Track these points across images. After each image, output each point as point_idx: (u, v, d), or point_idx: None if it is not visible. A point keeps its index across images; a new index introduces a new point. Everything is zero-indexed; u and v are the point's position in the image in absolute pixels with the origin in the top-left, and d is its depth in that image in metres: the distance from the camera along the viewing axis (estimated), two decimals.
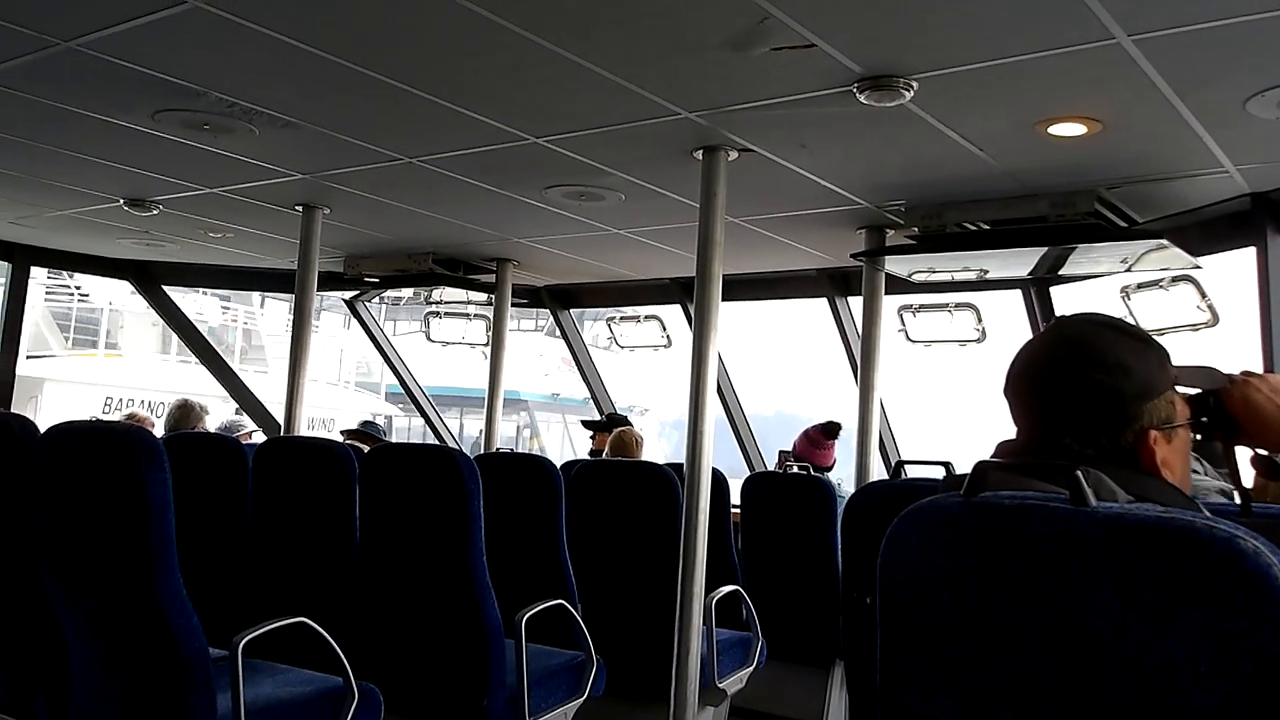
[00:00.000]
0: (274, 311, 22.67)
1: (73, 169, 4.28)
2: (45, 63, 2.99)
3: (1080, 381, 1.28)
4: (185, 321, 7.55)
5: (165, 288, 7.14)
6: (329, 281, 6.00)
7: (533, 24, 2.53)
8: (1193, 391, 1.41)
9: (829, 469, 5.09)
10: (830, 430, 5.15)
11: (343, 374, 22.34)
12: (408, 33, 2.65)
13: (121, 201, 4.82)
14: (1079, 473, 1.04)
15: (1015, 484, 1.21)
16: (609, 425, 6.06)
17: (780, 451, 5.63)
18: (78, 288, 19.27)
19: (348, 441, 5.38)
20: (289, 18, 2.58)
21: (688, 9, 2.39)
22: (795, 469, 4.72)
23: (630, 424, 6.08)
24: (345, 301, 7.15)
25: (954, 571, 1.11)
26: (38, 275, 18.66)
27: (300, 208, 4.76)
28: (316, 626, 2.52)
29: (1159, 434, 1.27)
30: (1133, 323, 4.31)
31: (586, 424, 6.58)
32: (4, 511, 2.70)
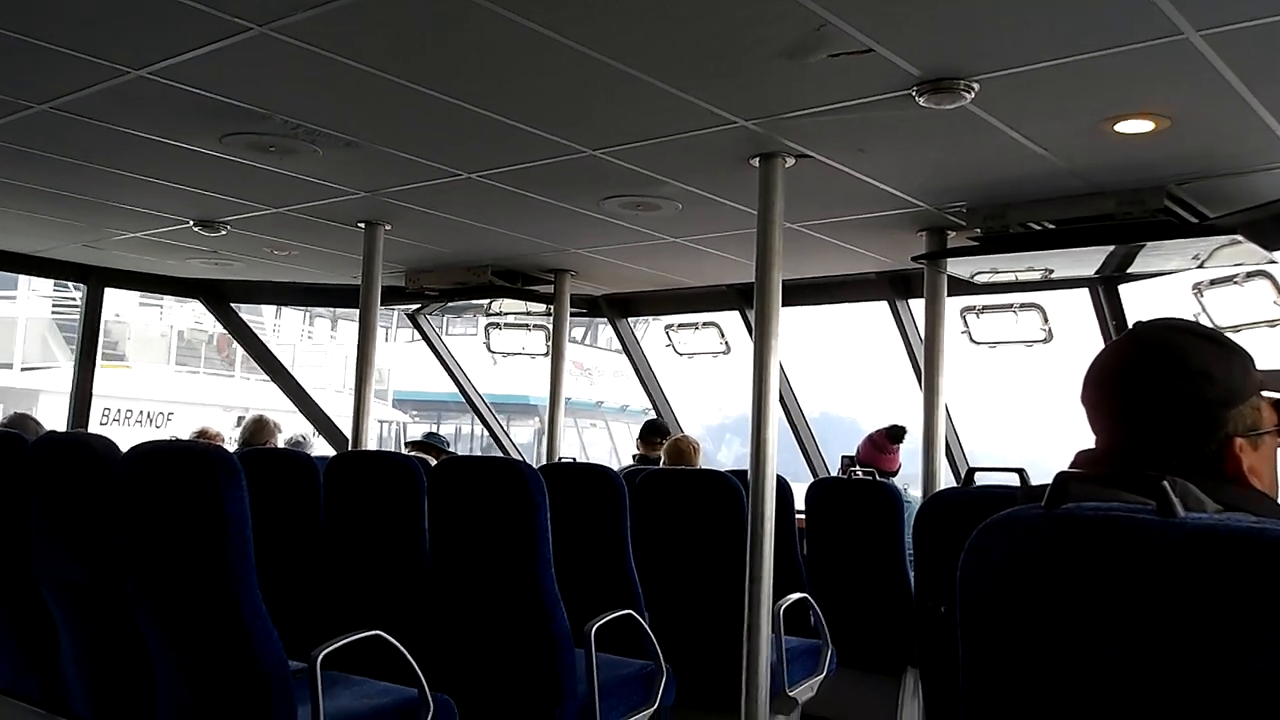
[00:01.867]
0: (290, 321, 22.97)
1: (144, 193, 4.41)
2: (117, 91, 3.08)
3: (1162, 389, 1.26)
4: (252, 337, 7.71)
5: (232, 304, 7.32)
6: (391, 296, 6.09)
7: (588, 39, 2.55)
8: (1278, 396, 1.37)
9: (894, 474, 5.03)
10: (895, 434, 5.09)
11: (348, 381, 22.66)
12: (466, 52, 2.69)
13: (191, 223, 4.95)
14: (1165, 483, 1.02)
15: (1097, 495, 1.19)
16: (653, 433, 6.08)
17: (843, 457, 5.58)
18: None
19: (412, 453, 5.47)
20: (351, 41, 2.64)
21: (743, 19, 2.39)
22: (860, 474, 4.68)
23: (674, 431, 6.12)
24: (408, 315, 7.25)
25: (1038, 586, 1.09)
26: (41, 286, 19.16)
27: (363, 225, 4.84)
28: (391, 639, 2.56)
29: (1244, 441, 1.24)
30: (1211, 325, 4.24)
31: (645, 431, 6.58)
32: (88, 529, 2.78)
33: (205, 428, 5.75)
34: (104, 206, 4.72)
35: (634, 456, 6.21)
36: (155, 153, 3.74)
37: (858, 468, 4.92)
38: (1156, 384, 1.27)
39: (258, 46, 2.65)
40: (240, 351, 22.10)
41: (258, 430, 5.48)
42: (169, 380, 20.20)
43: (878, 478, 4.39)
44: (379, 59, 2.76)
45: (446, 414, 25.25)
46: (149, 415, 18.95)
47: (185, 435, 5.61)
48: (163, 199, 4.52)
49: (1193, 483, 1.16)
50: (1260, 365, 1.34)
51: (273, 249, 5.58)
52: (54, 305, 19.97)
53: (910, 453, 4.88)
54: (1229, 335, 1.34)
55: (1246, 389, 1.27)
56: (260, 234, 5.19)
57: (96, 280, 6.50)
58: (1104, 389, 1.33)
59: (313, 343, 24.82)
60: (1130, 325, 1.39)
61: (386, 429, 24.66)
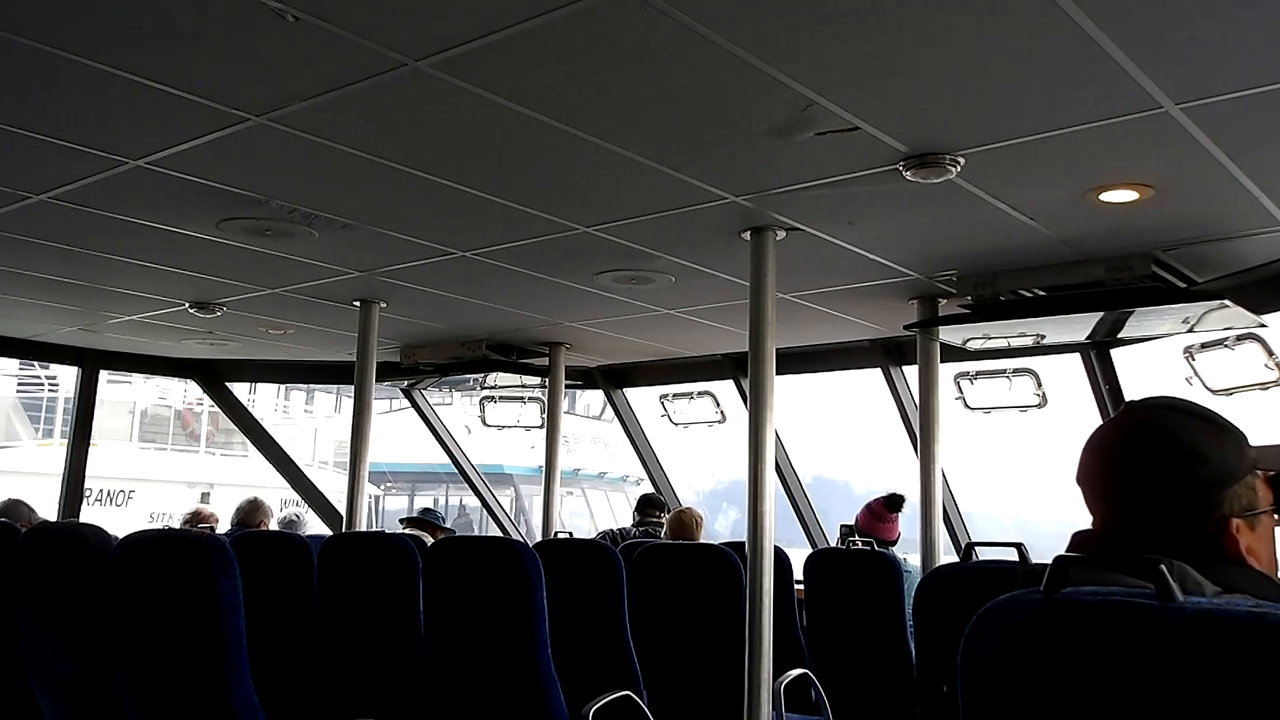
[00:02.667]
0: (264, 395, 22.82)
1: (140, 277, 4.44)
2: (115, 180, 3.12)
3: (1157, 470, 1.26)
4: (248, 417, 7.70)
5: (228, 383, 7.32)
6: (386, 372, 6.10)
7: (580, 121, 2.59)
8: (1273, 473, 1.38)
9: (894, 543, 4.99)
10: (893, 503, 5.05)
11: (318, 454, 22.42)
12: (459, 136, 2.73)
13: (187, 305, 4.97)
14: (1163, 567, 1.02)
15: (1096, 577, 1.19)
16: (650, 505, 6.07)
17: (842, 526, 5.54)
18: (50, 377, 19.53)
19: (408, 530, 5.42)
20: (346, 128, 2.68)
21: (733, 100, 2.44)
22: (859, 544, 4.64)
23: (672, 503, 6.09)
24: (402, 390, 7.24)
25: (1039, 672, 1.08)
26: (7, 366, 19.02)
27: (358, 303, 4.87)
28: None
29: (1241, 522, 1.24)
30: (1204, 387, 4.25)
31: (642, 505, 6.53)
32: (80, 621, 2.74)
33: (200, 509, 5.70)
34: (100, 291, 4.75)
35: (630, 529, 6.17)
36: (152, 238, 3.78)
37: (857, 537, 4.87)
38: (1150, 464, 1.27)
39: (254, 136, 2.69)
40: (206, 427, 21.68)
41: (251, 511, 5.44)
42: (132, 457, 19.90)
43: (876, 547, 4.35)
44: (373, 144, 2.80)
45: (421, 485, 25.12)
46: (108, 494, 18.65)
47: (145, 514, 5.48)
48: (158, 282, 4.55)
49: (1191, 564, 1.16)
50: (1255, 428, 1.35)
51: (268, 328, 5.60)
52: (19, 384, 19.84)
53: (908, 519, 4.84)
54: (1222, 412, 1.34)
55: (1241, 468, 1.27)
56: (256, 314, 5.22)
57: (91, 363, 6.51)
58: (1098, 470, 1.33)
59: (285, 415, 24.65)
60: (1125, 401, 1.40)
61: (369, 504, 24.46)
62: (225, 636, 2.25)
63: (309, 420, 23.97)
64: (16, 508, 4.73)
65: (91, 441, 6.55)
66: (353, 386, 5.02)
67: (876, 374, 5.75)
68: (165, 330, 5.70)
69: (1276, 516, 1.32)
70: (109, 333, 5.86)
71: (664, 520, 5.82)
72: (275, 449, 7.86)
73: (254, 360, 6.86)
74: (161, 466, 20.16)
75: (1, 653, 3.08)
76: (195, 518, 5.44)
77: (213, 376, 7.17)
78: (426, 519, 5.77)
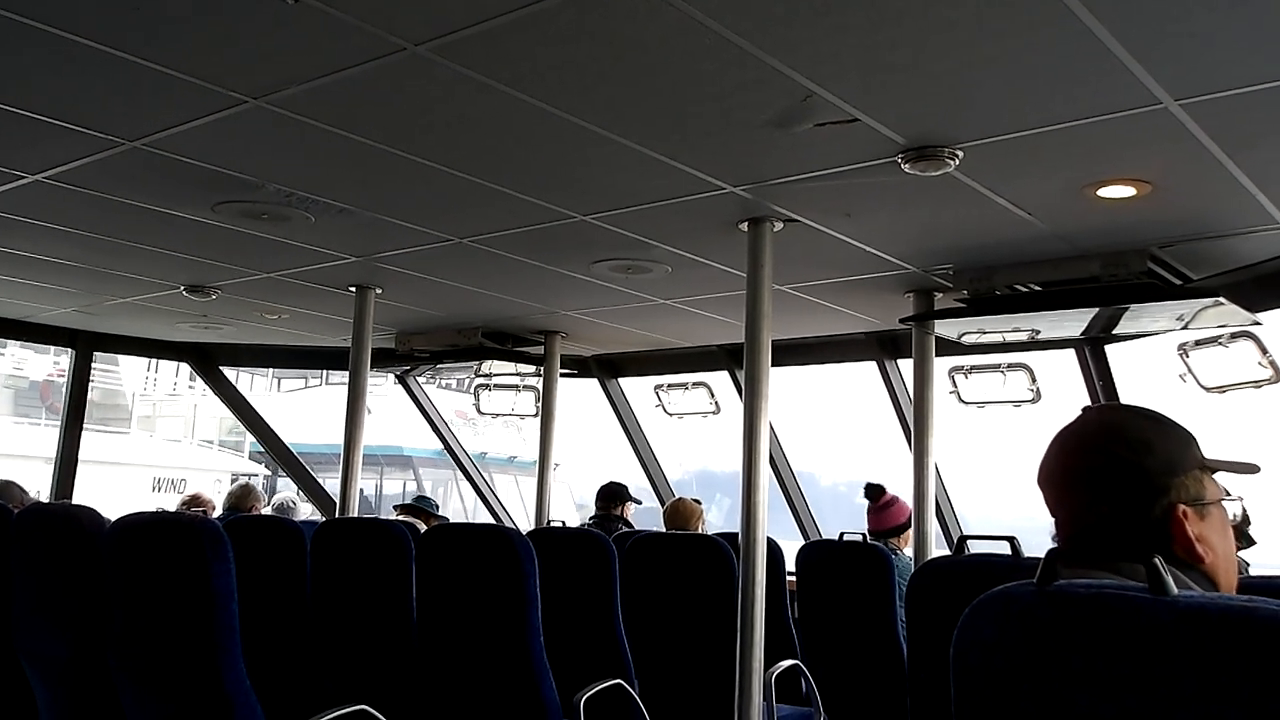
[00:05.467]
0: (130, 370, 21.67)
1: (135, 259, 4.42)
2: (111, 161, 3.11)
3: (1105, 458, 1.34)
4: (242, 402, 7.68)
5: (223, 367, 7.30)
6: (381, 358, 6.09)
7: (578, 109, 2.59)
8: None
9: (907, 525, 4.79)
10: (869, 492, 4.95)
11: (197, 433, 21.68)
12: (458, 122, 2.72)
13: (182, 288, 4.96)
14: (1157, 560, 1.03)
15: (1085, 571, 1.20)
16: (612, 497, 5.76)
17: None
18: None
19: (401, 517, 5.42)
20: (344, 113, 2.67)
21: (732, 90, 2.44)
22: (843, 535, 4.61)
23: (666, 494, 6.03)
24: (396, 376, 7.23)
25: (1031, 664, 1.09)
26: None
27: (353, 289, 4.86)
28: (377, 714, 2.52)
29: (1190, 510, 1.30)
30: (1198, 385, 4.26)
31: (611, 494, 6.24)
32: (72, 602, 2.74)
33: (198, 494, 5.70)
34: (95, 273, 4.73)
35: (591, 519, 5.95)
36: (147, 220, 3.76)
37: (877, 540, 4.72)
38: (1100, 454, 1.35)
39: (252, 118, 2.68)
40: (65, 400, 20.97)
41: (243, 496, 5.43)
42: (4, 432, 18.70)
43: (889, 536, 4.37)
44: (371, 129, 2.79)
45: (320, 468, 24.25)
46: None
47: None
48: (153, 265, 4.53)
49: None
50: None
51: (263, 313, 5.58)
52: None
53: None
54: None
55: (1186, 460, 1.34)
56: (251, 298, 5.20)
57: (85, 344, 6.49)
58: (1056, 466, 1.41)
59: (171, 394, 23.52)
60: (1091, 402, 1.45)
61: (262, 485, 23.42)
62: (218, 620, 2.25)
63: (200, 398, 22.39)
64: (9, 489, 4.72)
65: None
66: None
67: (864, 367, 5.75)
68: (160, 313, 5.68)
69: (1229, 510, 1.38)
70: (103, 315, 5.84)
71: (626, 515, 5.72)
72: (270, 436, 7.81)
73: (248, 345, 6.85)
74: (30, 443, 18.24)
75: None
76: (193, 502, 5.43)
77: (206, 360, 7.16)
78: (421, 506, 5.77)
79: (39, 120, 2.77)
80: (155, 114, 2.72)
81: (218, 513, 5.46)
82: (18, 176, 3.30)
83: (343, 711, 2.49)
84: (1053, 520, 1.40)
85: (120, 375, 21.18)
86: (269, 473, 23.24)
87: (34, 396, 20.50)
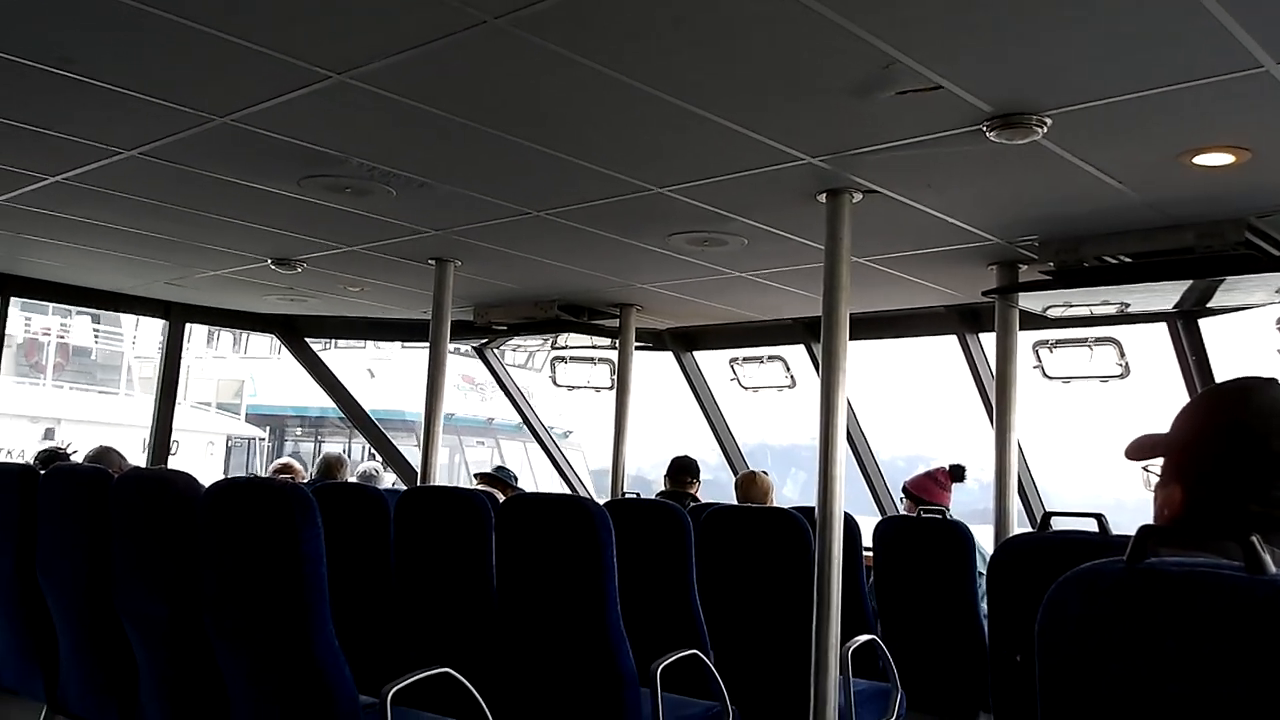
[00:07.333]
0: (147, 333, 20.97)
1: (224, 233, 4.55)
2: (202, 137, 3.19)
3: (1261, 450, 1.25)
4: (326, 372, 7.86)
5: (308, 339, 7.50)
6: (460, 330, 6.17)
7: (656, 80, 2.58)
8: None
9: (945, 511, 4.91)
10: (958, 474, 5.01)
11: (191, 395, 20.97)
12: (537, 95, 2.74)
13: (269, 261, 5.09)
14: (1255, 539, 0.99)
15: (1179, 550, 1.17)
16: (683, 472, 5.77)
17: (904, 488, 5.41)
18: None
19: (480, 486, 5.52)
20: (425, 87, 2.70)
21: (811, 58, 2.40)
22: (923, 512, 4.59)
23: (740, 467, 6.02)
24: (475, 349, 7.33)
25: (1119, 643, 1.06)
26: None
27: (433, 261, 4.93)
28: (460, 677, 2.58)
29: None
30: None
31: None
32: (169, 564, 2.85)
33: (288, 462, 5.88)
34: (186, 246, 4.88)
35: (661, 494, 5.93)
36: (236, 195, 3.86)
37: (926, 505, 4.82)
38: (1255, 445, 1.25)
39: (336, 93, 2.73)
40: (52, 359, 19.80)
41: (333, 465, 5.61)
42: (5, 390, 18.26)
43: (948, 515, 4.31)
44: (451, 103, 2.82)
45: (309, 430, 23.89)
46: None
47: None
48: (242, 238, 4.65)
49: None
50: None
51: (346, 285, 5.70)
52: None
53: (980, 491, 4.79)
54: None
55: None
56: (334, 271, 5.31)
57: (177, 316, 6.71)
58: (1196, 445, 1.31)
59: (193, 355, 22.83)
60: (1218, 382, 1.37)
61: (253, 447, 22.92)
62: (308, 583, 2.33)
63: (185, 359, 22.18)
64: (109, 455, 4.92)
65: None
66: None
67: (928, 344, 5.65)
68: (248, 285, 5.84)
69: None
70: (194, 287, 6.03)
71: (695, 493, 5.71)
72: (347, 400, 7.95)
73: (332, 316, 7.01)
74: (5, 400, 18.08)
75: (95, 594, 3.22)
76: (284, 470, 5.62)
77: (292, 331, 7.35)
78: (501, 476, 5.86)
79: (134, 96, 2.86)
80: (244, 90, 2.79)
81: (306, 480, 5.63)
82: (114, 152, 3.42)
83: (427, 673, 2.56)
84: (1159, 490, 1.31)
85: (123, 336, 20.82)
86: (264, 436, 23.12)
87: (21, 356, 20.15)
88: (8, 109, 3.06)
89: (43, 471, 3.65)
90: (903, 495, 5.19)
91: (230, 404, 22.83)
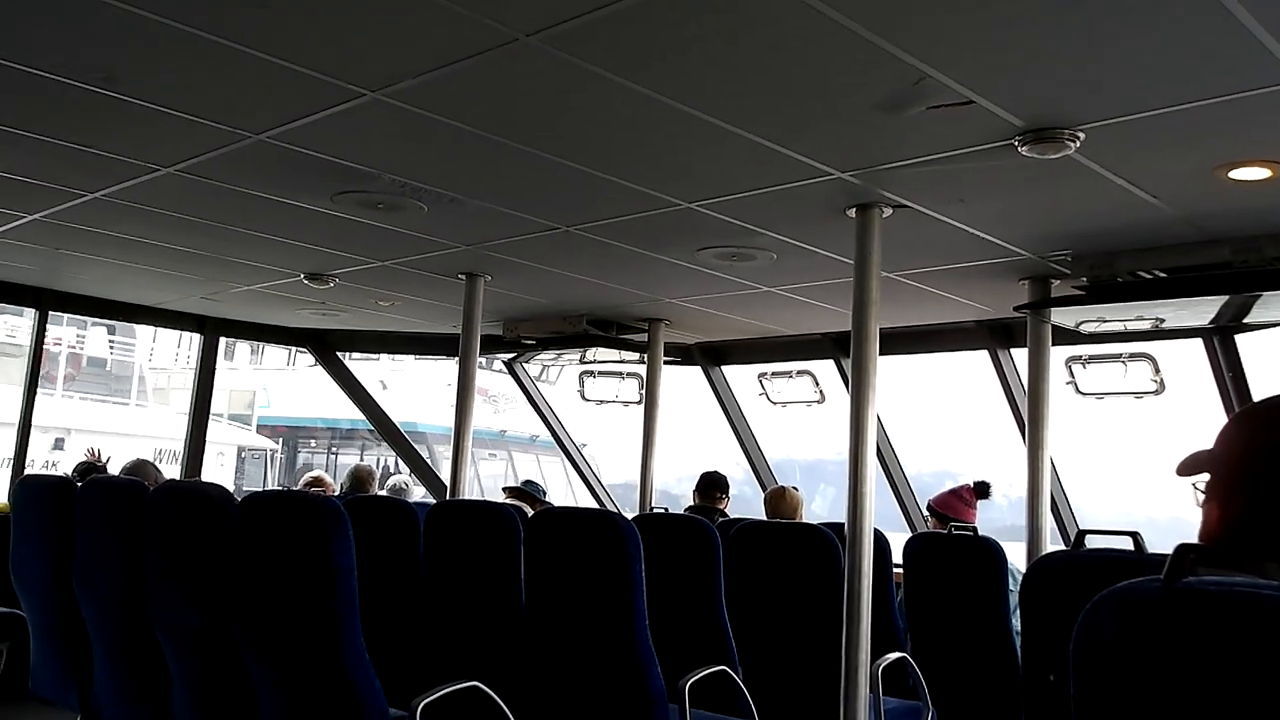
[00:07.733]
0: (165, 345, 21.21)
1: (259, 248, 4.60)
2: (237, 154, 3.24)
3: None
4: (355, 384, 7.92)
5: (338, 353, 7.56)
6: (489, 345, 6.21)
7: (686, 96, 2.59)
8: None
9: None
10: (983, 490, 4.96)
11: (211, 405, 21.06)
12: (566, 111, 2.75)
13: (302, 276, 5.15)
14: None
15: (1217, 569, 1.15)
16: (713, 487, 5.73)
17: (928, 505, 5.37)
18: None
19: (509, 500, 5.53)
20: (456, 104, 2.73)
21: (842, 74, 2.40)
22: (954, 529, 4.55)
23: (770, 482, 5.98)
24: (505, 364, 7.36)
25: (1155, 664, 1.05)
26: None
27: (463, 276, 4.96)
28: (489, 691, 2.58)
29: None
30: None
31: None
32: (204, 575, 2.88)
33: (319, 475, 5.93)
34: (221, 261, 4.94)
35: (689, 508, 5.88)
36: (270, 211, 3.91)
37: (955, 522, 4.77)
38: None
39: (369, 110, 2.76)
40: (63, 369, 19.54)
41: (363, 478, 5.66)
42: None
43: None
44: (482, 119, 2.84)
45: (322, 442, 23.81)
46: None
47: None
48: (276, 254, 4.71)
49: None
50: None
51: (377, 300, 5.75)
52: None
53: (1009, 508, 4.74)
54: None
55: None
56: (366, 286, 5.36)
57: (212, 330, 6.79)
58: (1244, 467, 1.28)
59: (185, 367, 22.54)
60: (1256, 400, 1.34)
61: (268, 458, 22.84)
62: (339, 594, 2.34)
63: (227, 372, 21.69)
64: (144, 467, 4.99)
65: None
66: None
67: (954, 358, 5.61)
68: (281, 300, 5.90)
69: None
70: (229, 302, 6.10)
71: (724, 509, 5.68)
72: (379, 415, 8.00)
73: (363, 331, 7.07)
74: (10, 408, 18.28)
75: (130, 603, 3.26)
76: (314, 483, 5.67)
77: (324, 346, 7.42)
78: (529, 490, 5.88)
79: (173, 115, 2.91)
80: (279, 108, 2.83)
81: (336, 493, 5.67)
82: (153, 169, 3.47)
83: (457, 687, 2.56)
84: (1206, 508, 1.28)
85: (134, 347, 20.80)
86: (275, 447, 23.01)
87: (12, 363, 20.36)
88: (50, 126, 3.12)
89: (80, 484, 3.70)
90: (927, 514, 5.14)
91: (242, 414, 22.87)
